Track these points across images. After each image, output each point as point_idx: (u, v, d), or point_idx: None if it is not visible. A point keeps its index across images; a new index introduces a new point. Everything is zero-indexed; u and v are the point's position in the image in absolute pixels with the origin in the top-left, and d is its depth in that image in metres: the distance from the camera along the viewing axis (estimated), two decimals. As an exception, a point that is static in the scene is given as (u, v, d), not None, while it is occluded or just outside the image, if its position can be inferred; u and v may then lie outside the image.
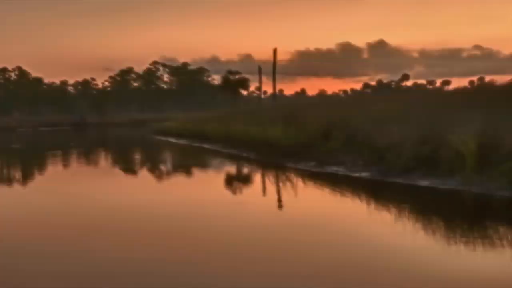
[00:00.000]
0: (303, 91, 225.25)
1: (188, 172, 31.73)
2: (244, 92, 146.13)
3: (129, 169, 35.19)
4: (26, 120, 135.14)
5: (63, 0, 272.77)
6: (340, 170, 25.80)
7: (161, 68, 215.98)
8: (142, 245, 13.70)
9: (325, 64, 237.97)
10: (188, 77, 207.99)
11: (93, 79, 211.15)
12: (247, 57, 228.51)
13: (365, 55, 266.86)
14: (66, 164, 38.61)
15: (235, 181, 27.09)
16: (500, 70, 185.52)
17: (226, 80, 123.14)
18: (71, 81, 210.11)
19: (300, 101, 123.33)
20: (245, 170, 31.78)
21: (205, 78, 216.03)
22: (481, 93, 33.24)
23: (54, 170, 34.84)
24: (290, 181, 25.24)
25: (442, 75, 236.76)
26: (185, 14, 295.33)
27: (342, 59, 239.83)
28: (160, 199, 21.60)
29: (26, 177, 31.52)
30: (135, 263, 11.96)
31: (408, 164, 22.46)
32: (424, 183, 21.16)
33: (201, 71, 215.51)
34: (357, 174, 24.45)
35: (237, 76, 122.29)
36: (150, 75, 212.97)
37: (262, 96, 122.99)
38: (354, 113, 32.62)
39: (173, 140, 58.97)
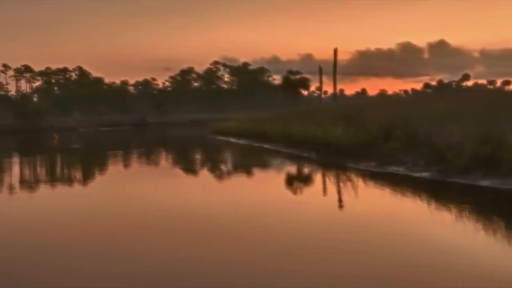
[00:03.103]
0: (363, 91, 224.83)
1: (248, 172, 31.94)
2: (305, 92, 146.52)
3: (189, 169, 35.53)
4: (87, 120, 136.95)
5: (124, 0, 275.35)
6: (401, 170, 25.74)
7: (221, 68, 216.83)
8: (201, 245, 13.90)
9: (386, 64, 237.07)
10: (249, 77, 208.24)
11: (154, 79, 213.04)
12: (308, 57, 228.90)
13: (426, 55, 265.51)
14: (126, 164, 39.13)
15: (296, 181, 27.22)
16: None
17: (286, 80, 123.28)
18: (131, 81, 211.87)
19: (361, 101, 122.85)
20: (306, 170, 31.84)
21: (265, 78, 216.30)
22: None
23: (114, 170, 35.29)
24: (351, 181, 25.28)
25: (502, 75, 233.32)
26: (246, 14, 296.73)
27: (403, 59, 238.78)
28: (220, 199, 21.85)
29: (86, 178, 31.93)
30: (194, 263, 12.15)
31: (468, 164, 22.34)
32: (484, 183, 21.03)
33: (261, 71, 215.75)
34: (417, 174, 24.38)
35: (297, 76, 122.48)
36: (210, 75, 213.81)
37: (323, 96, 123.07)
38: (415, 113, 32.51)
39: (233, 140, 59.18)
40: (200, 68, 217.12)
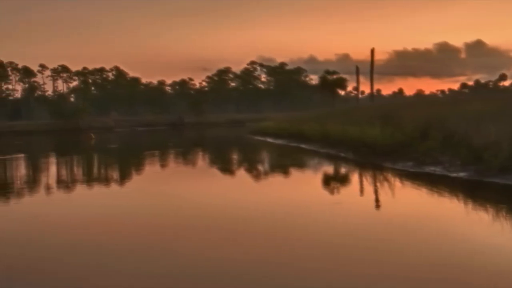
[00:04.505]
0: (400, 91, 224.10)
1: (285, 172, 31.92)
2: (342, 92, 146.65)
3: (226, 169, 35.61)
4: (124, 120, 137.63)
5: (161, 0, 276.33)
6: (438, 170, 25.70)
7: (258, 68, 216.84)
8: (238, 245, 14.00)
9: (423, 64, 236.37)
10: (286, 77, 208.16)
11: (191, 79, 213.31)
12: (345, 57, 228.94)
13: (463, 55, 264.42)
14: (163, 164, 39.34)
15: (333, 181, 27.24)
16: None
17: (323, 80, 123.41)
18: (168, 81, 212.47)
19: (398, 101, 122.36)
20: (343, 170, 31.88)
21: (302, 78, 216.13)
22: None
23: (151, 170, 35.43)
24: (388, 181, 25.26)
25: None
26: (283, 14, 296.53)
27: (440, 59, 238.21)
28: (257, 199, 22.01)
29: (124, 178, 32.11)
30: (231, 263, 12.24)
31: (505, 164, 22.27)
32: (522, 183, 20.96)
33: (298, 71, 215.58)
34: (454, 174, 24.32)
35: (334, 76, 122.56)
36: (247, 75, 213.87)
37: (360, 96, 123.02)
38: (451, 113, 32.43)
39: (270, 140, 59.33)
40: (237, 68, 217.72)
